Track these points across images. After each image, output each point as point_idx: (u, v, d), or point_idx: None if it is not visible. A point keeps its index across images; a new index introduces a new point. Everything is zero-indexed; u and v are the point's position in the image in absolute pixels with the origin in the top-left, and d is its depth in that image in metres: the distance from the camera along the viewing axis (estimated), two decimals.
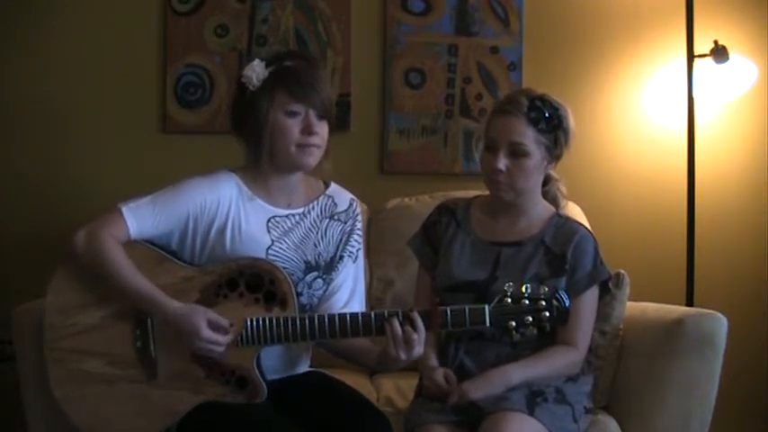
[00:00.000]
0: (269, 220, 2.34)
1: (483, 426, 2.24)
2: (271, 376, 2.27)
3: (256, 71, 2.30)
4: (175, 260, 2.29)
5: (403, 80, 3.44)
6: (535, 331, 2.17)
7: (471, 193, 2.70)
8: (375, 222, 3.21)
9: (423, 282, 2.57)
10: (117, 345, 2.25)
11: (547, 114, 2.40)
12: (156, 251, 2.29)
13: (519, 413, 2.24)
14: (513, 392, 2.30)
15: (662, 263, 3.44)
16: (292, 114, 2.28)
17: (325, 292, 2.41)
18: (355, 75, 3.42)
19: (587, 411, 2.43)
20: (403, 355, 2.17)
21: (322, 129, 2.31)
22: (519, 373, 2.35)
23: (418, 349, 2.17)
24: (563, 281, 2.40)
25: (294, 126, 2.28)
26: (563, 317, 2.17)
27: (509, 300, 2.17)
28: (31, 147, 3.39)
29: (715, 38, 3.32)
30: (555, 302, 2.15)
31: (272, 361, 2.30)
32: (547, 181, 2.52)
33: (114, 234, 2.25)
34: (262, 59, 2.33)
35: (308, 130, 2.28)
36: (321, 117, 2.30)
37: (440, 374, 2.38)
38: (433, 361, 2.44)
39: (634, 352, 2.62)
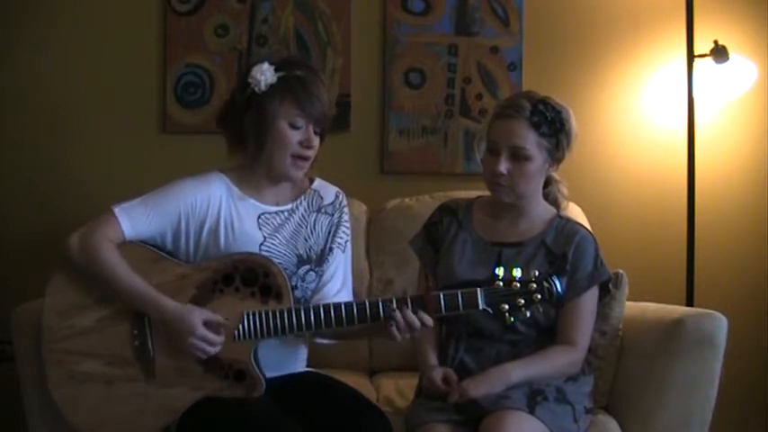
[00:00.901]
0: (259, 217, 2.37)
1: (483, 424, 2.24)
2: (269, 373, 2.28)
3: (266, 75, 2.32)
4: (170, 258, 2.31)
5: (403, 80, 3.44)
6: (528, 314, 2.19)
7: (472, 194, 2.70)
8: (375, 222, 3.21)
9: (424, 281, 2.57)
10: (115, 345, 2.26)
11: (549, 118, 2.40)
12: (151, 250, 2.31)
13: (519, 411, 2.25)
14: (513, 391, 2.31)
15: (662, 263, 3.44)
16: (295, 127, 2.32)
17: (317, 284, 2.44)
18: (355, 75, 3.42)
19: (587, 411, 2.44)
20: (406, 336, 2.21)
21: (316, 142, 2.36)
22: (519, 371, 2.36)
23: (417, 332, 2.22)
24: (563, 281, 2.40)
25: (295, 137, 2.32)
26: (555, 299, 2.18)
27: (500, 284, 2.18)
28: (31, 147, 3.39)
29: (715, 38, 3.32)
30: (545, 284, 2.17)
31: (269, 357, 2.31)
32: (548, 182, 2.53)
33: (108, 236, 2.27)
34: (271, 63, 2.34)
35: (306, 144, 2.33)
36: (317, 132, 2.34)
37: (438, 374, 2.38)
38: (433, 360, 2.45)
39: (634, 352, 2.62)
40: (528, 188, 2.45)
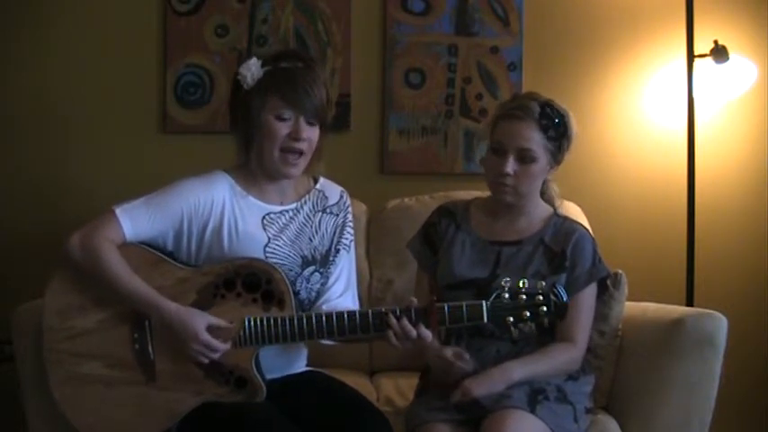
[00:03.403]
0: (264, 218, 2.35)
1: (485, 424, 2.24)
2: (269, 375, 2.27)
3: (252, 70, 2.31)
4: (172, 261, 2.29)
5: (403, 80, 3.44)
6: (533, 326, 2.18)
7: (470, 194, 2.70)
8: (375, 222, 3.21)
9: (422, 284, 2.57)
10: (115, 347, 2.24)
11: (556, 121, 2.41)
12: (152, 253, 2.29)
13: (521, 411, 2.25)
14: (514, 390, 2.31)
15: (662, 263, 3.44)
16: (281, 117, 2.29)
17: (323, 285, 2.42)
18: (355, 75, 3.42)
19: (588, 411, 2.43)
20: (407, 345, 2.19)
21: (311, 133, 2.31)
22: (520, 370, 2.35)
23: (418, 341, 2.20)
24: (563, 278, 2.41)
25: (282, 129, 2.29)
26: (561, 312, 2.17)
27: (506, 295, 2.18)
28: (31, 147, 3.39)
29: (715, 38, 3.32)
30: (552, 297, 2.16)
31: (269, 359, 2.30)
32: (542, 182, 2.53)
33: (109, 237, 2.25)
34: (259, 58, 2.33)
35: (294, 136, 2.29)
36: (311, 122, 2.31)
37: (448, 350, 2.35)
38: (436, 342, 2.42)
39: (634, 352, 2.62)
40: (530, 189, 2.46)
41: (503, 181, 2.42)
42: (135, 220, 2.27)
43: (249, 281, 2.24)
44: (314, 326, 2.20)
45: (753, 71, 3.40)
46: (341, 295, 2.43)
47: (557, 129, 2.41)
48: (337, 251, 2.44)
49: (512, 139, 2.41)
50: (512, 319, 2.16)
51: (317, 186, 2.46)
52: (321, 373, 2.45)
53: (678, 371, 2.52)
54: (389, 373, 2.97)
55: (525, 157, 2.40)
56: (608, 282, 2.52)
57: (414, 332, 2.17)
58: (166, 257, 2.29)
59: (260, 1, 3.40)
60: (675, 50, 3.40)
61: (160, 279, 2.25)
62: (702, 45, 3.32)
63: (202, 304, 2.23)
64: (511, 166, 2.40)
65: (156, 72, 3.41)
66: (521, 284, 2.18)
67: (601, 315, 2.57)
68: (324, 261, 2.41)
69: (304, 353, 2.48)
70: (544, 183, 2.53)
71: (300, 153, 2.31)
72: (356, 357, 2.97)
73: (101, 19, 3.40)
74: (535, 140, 2.39)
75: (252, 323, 2.21)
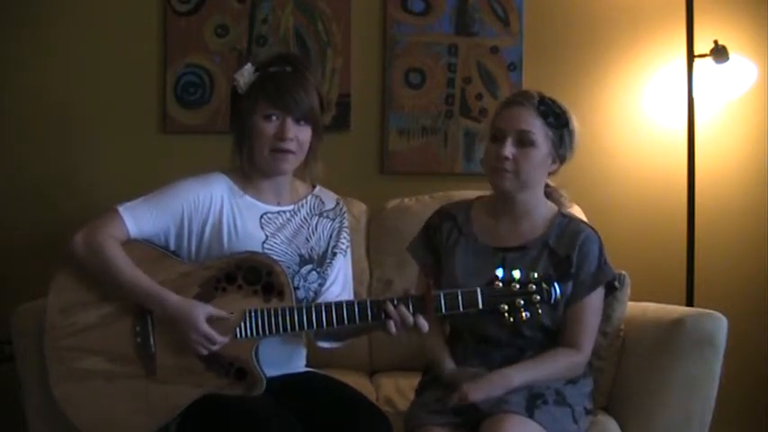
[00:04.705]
0: (262, 217, 2.39)
1: (482, 428, 2.23)
2: (269, 372, 2.28)
3: (245, 75, 2.37)
4: (174, 257, 2.32)
5: (403, 80, 3.44)
6: (527, 315, 2.18)
7: (471, 194, 2.67)
8: (375, 222, 3.21)
9: (423, 286, 2.56)
10: (117, 341, 2.26)
11: (555, 110, 2.40)
12: (154, 248, 2.32)
13: (518, 415, 2.24)
14: (512, 395, 2.29)
15: (662, 263, 3.44)
16: (268, 118, 2.33)
17: (321, 285, 2.44)
18: (355, 75, 3.43)
19: (588, 412, 2.43)
20: (402, 333, 2.22)
21: (301, 133, 2.35)
22: (520, 375, 2.34)
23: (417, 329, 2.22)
24: (569, 285, 2.39)
25: (269, 129, 2.33)
26: (554, 301, 2.19)
27: (500, 284, 2.19)
28: (31, 147, 3.39)
29: (715, 38, 3.32)
30: (544, 286, 2.18)
31: (269, 355, 2.31)
32: (547, 194, 2.51)
33: (113, 234, 2.28)
34: (253, 64, 2.39)
35: (279, 135, 2.32)
36: (300, 122, 2.34)
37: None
38: (450, 364, 2.44)
39: (634, 352, 2.62)
40: (530, 177, 2.41)
41: (501, 165, 2.38)
42: (138, 218, 2.30)
43: (250, 274, 2.27)
44: (313, 316, 2.23)
45: (753, 71, 3.41)
46: (338, 296, 2.45)
47: (556, 117, 2.40)
48: (334, 254, 2.47)
49: (511, 123, 2.39)
50: (506, 306, 2.19)
51: (315, 192, 2.50)
52: (321, 373, 2.46)
53: (678, 371, 2.52)
54: (389, 373, 2.98)
55: (524, 140, 2.38)
56: (615, 283, 2.51)
57: (411, 319, 2.20)
58: (169, 253, 2.33)
59: (260, 1, 3.41)
60: (675, 50, 3.40)
61: (163, 273, 2.28)
62: (702, 45, 3.32)
63: (204, 297, 2.26)
64: (509, 149, 2.37)
65: (156, 72, 3.41)
66: (514, 275, 2.19)
67: (603, 315, 2.55)
68: (321, 261, 2.44)
69: (303, 352, 2.49)
70: (550, 193, 2.51)
71: (290, 152, 2.34)
72: (356, 357, 2.97)
73: (101, 19, 3.40)
74: (535, 124, 2.38)
75: (252, 314, 2.23)
